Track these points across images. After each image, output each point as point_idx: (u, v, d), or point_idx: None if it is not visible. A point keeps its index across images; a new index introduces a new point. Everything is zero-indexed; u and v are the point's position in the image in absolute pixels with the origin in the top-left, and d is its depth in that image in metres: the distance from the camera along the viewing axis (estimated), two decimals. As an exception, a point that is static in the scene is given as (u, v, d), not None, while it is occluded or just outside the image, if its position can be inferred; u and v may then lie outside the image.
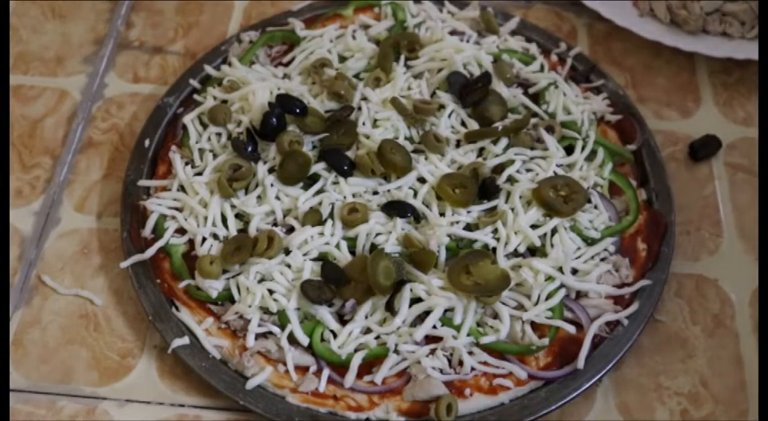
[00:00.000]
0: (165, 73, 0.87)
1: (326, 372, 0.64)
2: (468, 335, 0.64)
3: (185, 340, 0.66)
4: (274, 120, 0.72)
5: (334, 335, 0.65)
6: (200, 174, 0.73)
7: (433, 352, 0.64)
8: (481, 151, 0.74)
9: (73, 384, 0.67)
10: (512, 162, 0.72)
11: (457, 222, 0.69)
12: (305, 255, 0.68)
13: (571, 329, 0.65)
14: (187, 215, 0.71)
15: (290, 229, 0.69)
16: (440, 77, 0.78)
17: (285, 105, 0.73)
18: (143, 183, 0.75)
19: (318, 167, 0.72)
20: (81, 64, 0.88)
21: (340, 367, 0.64)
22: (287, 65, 0.82)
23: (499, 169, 0.72)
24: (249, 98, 0.76)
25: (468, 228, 0.69)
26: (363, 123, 0.74)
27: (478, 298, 0.65)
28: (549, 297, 0.66)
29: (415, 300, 0.65)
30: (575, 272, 0.68)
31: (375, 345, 0.64)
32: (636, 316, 0.67)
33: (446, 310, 0.65)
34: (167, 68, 0.87)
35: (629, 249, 0.70)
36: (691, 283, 0.72)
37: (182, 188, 0.73)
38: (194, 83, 0.82)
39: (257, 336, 0.65)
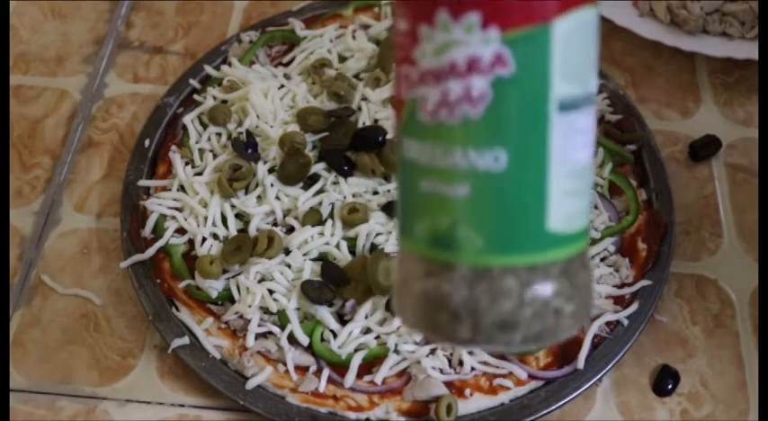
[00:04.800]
0: (165, 73, 0.87)
1: (326, 372, 0.64)
2: (469, 335, 0.64)
3: (185, 340, 0.66)
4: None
5: (335, 335, 0.65)
6: (200, 174, 0.73)
7: (433, 352, 0.64)
8: (481, 151, 0.74)
9: (73, 384, 0.67)
10: (512, 162, 0.72)
11: (457, 222, 0.69)
12: (305, 255, 0.68)
13: (571, 329, 0.65)
14: (187, 215, 0.71)
15: (290, 229, 0.69)
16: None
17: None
18: (143, 183, 0.75)
19: (318, 167, 0.72)
20: (81, 64, 0.88)
21: (340, 367, 0.64)
22: (287, 65, 0.82)
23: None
24: (249, 98, 0.76)
25: (468, 228, 0.69)
26: (363, 123, 0.74)
27: (478, 298, 0.65)
28: (549, 297, 0.66)
29: (415, 300, 0.65)
30: (575, 272, 0.68)
31: (375, 345, 0.64)
32: (636, 316, 0.67)
33: (446, 310, 0.65)
34: (167, 68, 0.87)
35: (629, 249, 0.70)
36: (691, 283, 0.72)
37: (182, 188, 0.73)
38: (194, 83, 0.82)
39: (257, 336, 0.65)
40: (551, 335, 0.34)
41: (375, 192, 0.72)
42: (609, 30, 0.89)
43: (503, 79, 0.31)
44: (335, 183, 0.71)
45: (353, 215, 0.68)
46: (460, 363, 0.64)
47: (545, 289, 0.33)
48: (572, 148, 0.33)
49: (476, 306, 0.33)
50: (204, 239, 0.69)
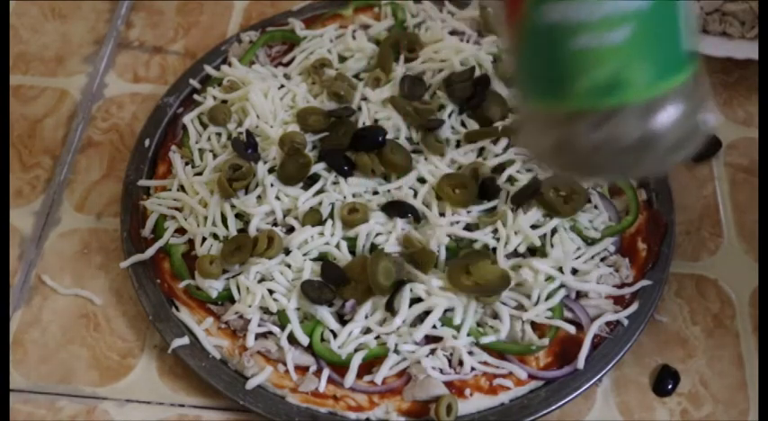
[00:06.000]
0: (165, 73, 0.87)
1: (326, 372, 0.64)
2: (468, 335, 0.64)
3: (185, 340, 0.66)
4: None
5: (334, 335, 0.65)
6: (200, 174, 0.73)
7: (433, 352, 0.64)
8: (481, 151, 0.74)
9: (73, 384, 0.67)
10: (512, 162, 0.72)
11: (457, 222, 0.69)
12: (305, 254, 0.68)
13: (571, 329, 0.65)
14: (187, 215, 0.71)
15: (290, 229, 0.69)
16: (439, 78, 0.78)
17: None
18: (143, 183, 0.75)
19: (318, 167, 0.72)
20: (81, 64, 0.88)
21: (340, 367, 0.64)
22: (287, 65, 0.82)
23: (499, 169, 0.72)
24: (250, 98, 0.76)
25: (468, 228, 0.69)
26: (363, 123, 0.74)
27: (478, 298, 0.65)
28: (549, 297, 0.66)
29: (415, 300, 0.65)
30: (575, 272, 0.68)
31: (375, 345, 0.64)
32: (636, 316, 0.67)
33: (446, 310, 0.65)
34: (167, 68, 0.87)
35: (629, 249, 0.70)
36: (691, 283, 0.72)
37: (182, 188, 0.73)
38: (194, 83, 0.82)
39: (257, 336, 0.65)
40: (694, 143, 0.46)
41: (375, 192, 0.72)
42: (609, 30, 0.89)
43: None
44: (335, 183, 0.71)
45: (353, 215, 0.68)
46: (460, 363, 0.64)
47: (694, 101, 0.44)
48: None
49: (654, 132, 0.41)
50: (204, 239, 0.69)
